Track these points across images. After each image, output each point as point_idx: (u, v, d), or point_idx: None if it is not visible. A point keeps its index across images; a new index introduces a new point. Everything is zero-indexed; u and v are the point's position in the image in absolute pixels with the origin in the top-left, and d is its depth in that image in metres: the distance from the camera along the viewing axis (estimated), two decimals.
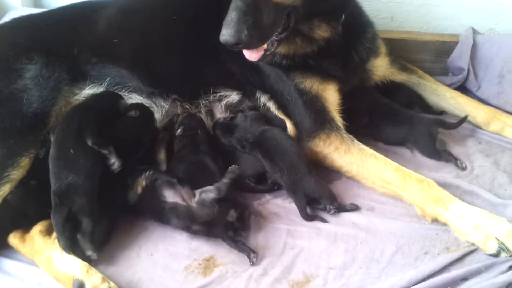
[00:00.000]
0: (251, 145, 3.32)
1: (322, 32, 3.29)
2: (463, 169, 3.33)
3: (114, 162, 3.07)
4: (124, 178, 3.13)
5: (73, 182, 2.93)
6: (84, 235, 2.88)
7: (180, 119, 3.50)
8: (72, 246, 2.88)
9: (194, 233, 2.96)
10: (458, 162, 3.35)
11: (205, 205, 2.87)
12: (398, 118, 3.53)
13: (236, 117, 3.50)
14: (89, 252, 2.88)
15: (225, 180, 2.92)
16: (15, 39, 3.56)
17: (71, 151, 3.04)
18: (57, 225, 2.86)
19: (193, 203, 2.90)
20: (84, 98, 3.49)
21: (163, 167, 3.38)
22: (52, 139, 3.19)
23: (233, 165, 3.01)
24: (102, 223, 2.97)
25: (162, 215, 2.99)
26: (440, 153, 3.41)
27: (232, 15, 2.76)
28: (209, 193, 2.89)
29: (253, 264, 2.82)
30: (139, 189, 3.08)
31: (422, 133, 3.44)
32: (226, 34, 2.75)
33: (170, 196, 2.96)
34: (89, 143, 3.08)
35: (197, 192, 2.93)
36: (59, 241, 2.89)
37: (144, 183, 3.07)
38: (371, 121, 3.56)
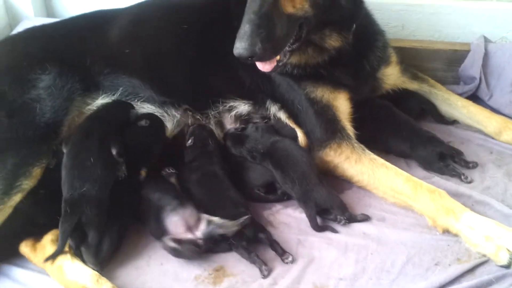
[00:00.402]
0: (261, 155, 3.32)
1: (333, 41, 3.29)
2: (469, 182, 3.30)
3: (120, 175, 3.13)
4: (133, 188, 3.15)
5: (87, 192, 2.95)
6: (89, 248, 2.89)
7: (191, 130, 3.51)
8: (79, 253, 2.91)
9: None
10: (463, 176, 3.31)
11: (212, 238, 2.87)
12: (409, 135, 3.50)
13: (247, 127, 3.50)
14: (90, 266, 2.88)
15: (235, 226, 2.86)
16: (29, 49, 3.60)
17: (91, 160, 3.06)
18: (64, 233, 2.86)
19: (199, 231, 2.88)
20: (96, 108, 3.52)
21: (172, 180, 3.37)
22: (65, 149, 3.21)
23: (248, 216, 2.93)
24: (108, 237, 2.97)
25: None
26: (443, 170, 3.37)
27: (245, 28, 2.76)
28: (218, 228, 2.86)
29: (264, 277, 2.81)
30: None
31: (424, 154, 3.42)
32: (240, 47, 2.75)
33: (173, 227, 2.92)
34: (114, 152, 3.12)
35: (204, 219, 2.91)
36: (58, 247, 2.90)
37: None
38: (376, 131, 3.55)
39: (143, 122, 3.44)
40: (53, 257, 2.85)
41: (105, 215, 2.95)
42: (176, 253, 2.90)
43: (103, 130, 3.26)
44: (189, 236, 2.88)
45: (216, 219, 2.89)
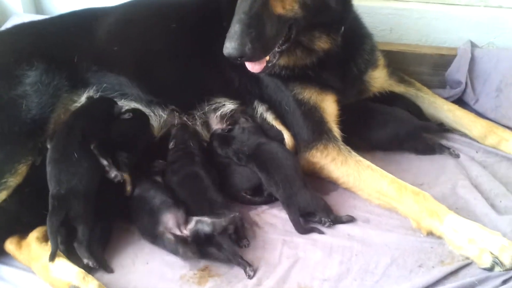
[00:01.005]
0: (247, 157, 3.32)
1: (322, 43, 3.31)
2: (457, 156, 3.43)
3: (117, 175, 3.10)
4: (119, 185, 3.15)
5: (74, 187, 2.95)
6: (81, 242, 2.89)
7: (173, 132, 3.51)
8: (65, 251, 2.90)
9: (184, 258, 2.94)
10: (452, 150, 3.45)
11: (199, 236, 2.87)
12: (386, 118, 3.58)
13: (234, 129, 3.50)
14: (85, 260, 2.88)
15: (224, 223, 2.86)
16: (16, 45, 3.59)
17: (75, 155, 3.05)
18: (52, 228, 2.86)
19: (186, 230, 2.89)
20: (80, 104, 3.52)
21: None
22: (50, 144, 3.20)
23: (237, 214, 2.96)
24: (98, 230, 2.99)
25: (154, 235, 2.98)
26: (433, 149, 3.50)
27: (235, 28, 2.77)
28: (205, 226, 2.86)
29: (249, 277, 2.82)
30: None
31: (410, 134, 3.51)
32: (230, 47, 2.76)
33: (165, 219, 2.94)
34: (92, 146, 3.11)
35: (194, 219, 2.92)
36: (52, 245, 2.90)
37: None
38: (360, 125, 3.59)
39: (126, 115, 3.45)
40: (52, 256, 2.83)
41: (93, 210, 2.96)
42: (171, 246, 2.91)
43: (86, 125, 3.26)
44: (178, 232, 2.89)
45: (205, 219, 2.89)
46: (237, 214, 2.95)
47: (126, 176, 3.14)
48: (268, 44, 2.90)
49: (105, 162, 3.10)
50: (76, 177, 2.97)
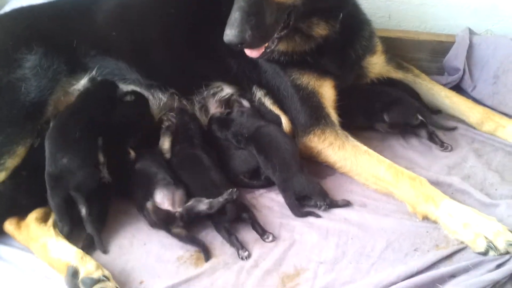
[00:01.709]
0: (246, 140, 3.34)
1: (320, 30, 3.32)
2: (446, 149, 3.45)
3: (105, 177, 3.16)
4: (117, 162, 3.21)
5: (69, 164, 2.99)
6: (85, 218, 2.94)
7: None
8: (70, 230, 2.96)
9: (175, 236, 2.97)
10: (445, 145, 3.46)
11: (191, 213, 2.92)
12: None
13: (232, 112, 3.53)
14: (90, 233, 2.95)
15: (221, 199, 2.92)
16: (15, 29, 3.60)
17: (77, 135, 3.11)
18: (56, 207, 2.93)
19: (181, 208, 2.94)
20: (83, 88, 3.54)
21: (168, 156, 3.41)
22: (52, 123, 3.25)
23: (234, 190, 2.98)
24: (99, 205, 3.06)
25: (142, 208, 3.03)
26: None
27: (235, 15, 2.79)
28: (202, 204, 2.92)
29: (242, 259, 2.85)
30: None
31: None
32: (230, 34, 2.78)
33: (159, 196, 2.98)
34: (99, 140, 3.20)
35: (192, 199, 2.97)
36: (58, 225, 2.97)
37: None
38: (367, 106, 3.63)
39: (128, 97, 3.49)
40: (66, 233, 2.95)
41: (91, 187, 3.01)
42: (148, 219, 2.98)
43: (91, 108, 3.32)
44: (169, 208, 2.94)
45: (203, 199, 2.94)
46: (235, 189, 2.97)
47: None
48: (267, 32, 2.92)
49: (101, 159, 3.16)
50: (72, 154, 3.02)
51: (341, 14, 3.33)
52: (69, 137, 3.10)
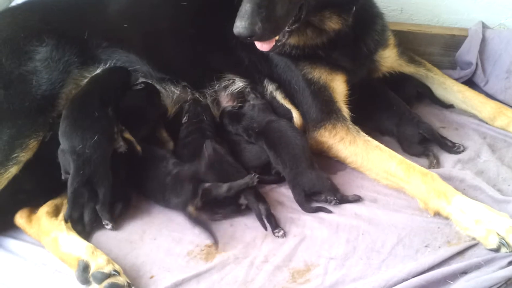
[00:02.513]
0: (257, 134, 3.34)
1: (333, 24, 3.29)
2: (459, 149, 3.41)
3: (121, 145, 3.20)
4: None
5: (89, 150, 3.00)
6: (102, 204, 2.97)
7: (186, 107, 3.55)
8: (77, 226, 3.00)
9: (190, 217, 2.97)
10: (457, 145, 3.43)
11: (209, 196, 2.94)
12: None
13: (244, 106, 3.53)
14: (106, 222, 2.98)
15: (241, 182, 2.94)
16: (27, 21, 3.60)
17: (96, 113, 3.15)
18: (72, 192, 2.94)
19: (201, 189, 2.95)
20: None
21: (170, 145, 3.45)
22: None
23: (254, 174, 3.01)
24: (118, 195, 3.09)
25: (164, 189, 3.06)
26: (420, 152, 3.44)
27: (246, 7, 2.77)
28: (219, 189, 2.93)
29: (278, 237, 2.93)
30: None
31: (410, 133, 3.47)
32: (240, 26, 2.76)
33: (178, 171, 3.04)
34: (109, 109, 3.23)
35: (209, 183, 2.98)
36: (67, 212, 2.99)
37: None
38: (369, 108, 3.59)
39: (138, 86, 3.51)
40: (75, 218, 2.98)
41: (109, 172, 3.03)
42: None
43: (103, 90, 3.33)
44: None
45: (221, 183, 2.97)
46: (254, 174, 3.00)
47: (128, 136, 3.24)
48: (278, 24, 2.90)
49: (115, 129, 3.17)
50: (93, 138, 3.03)
51: (354, 8, 3.30)
52: (91, 116, 3.13)
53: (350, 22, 3.33)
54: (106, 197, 2.96)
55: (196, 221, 2.94)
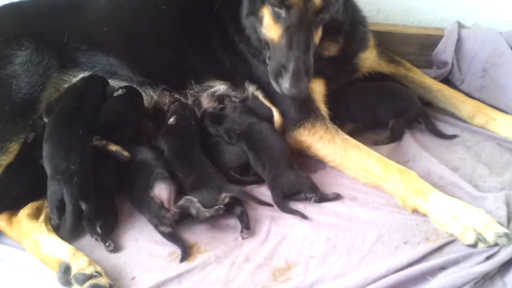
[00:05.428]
0: (238, 136, 3.36)
1: (330, 52, 3.43)
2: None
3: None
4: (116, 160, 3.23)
5: (72, 167, 2.97)
6: (88, 219, 2.94)
7: (173, 109, 3.54)
8: (56, 228, 2.98)
9: (162, 234, 2.96)
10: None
11: (183, 212, 2.95)
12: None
13: (226, 107, 3.54)
14: (108, 242, 2.94)
15: (207, 214, 2.92)
16: (5, 25, 3.59)
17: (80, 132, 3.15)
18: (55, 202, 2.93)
19: (174, 206, 2.96)
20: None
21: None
22: (46, 119, 3.30)
23: (221, 207, 2.96)
24: (106, 209, 3.08)
25: (142, 203, 3.04)
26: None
27: (295, 66, 2.92)
28: (192, 208, 2.94)
29: (242, 238, 2.93)
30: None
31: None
32: (296, 89, 2.94)
33: (157, 190, 3.00)
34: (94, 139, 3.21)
35: (184, 198, 3.00)
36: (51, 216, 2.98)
37: None
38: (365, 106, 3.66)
39: (119, 91, 3.48)
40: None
41: (92, 186, 3.01)
42: (154, 209, 2.96)
43: (81, 105, 3.32)
44: (165, 203, 2.97)
45: (195, 200, 2.96)
46: (222, 206, 2.96)
47: (113, 147, 3.21)
48: (311, 74, 3.03)
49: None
50: (73, 157, 3.01)
51: (345, 25, 3.40)
52: (75, 136, 3.13)
53: (341, 41, 3.43)
54: (90, 211, 2.93)
55: (167, 236, 2.95)
